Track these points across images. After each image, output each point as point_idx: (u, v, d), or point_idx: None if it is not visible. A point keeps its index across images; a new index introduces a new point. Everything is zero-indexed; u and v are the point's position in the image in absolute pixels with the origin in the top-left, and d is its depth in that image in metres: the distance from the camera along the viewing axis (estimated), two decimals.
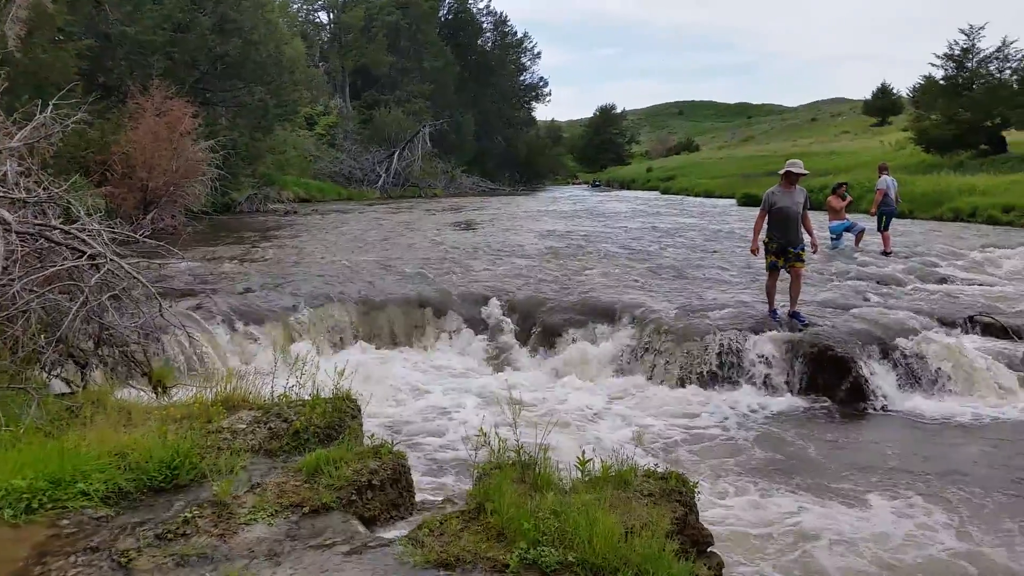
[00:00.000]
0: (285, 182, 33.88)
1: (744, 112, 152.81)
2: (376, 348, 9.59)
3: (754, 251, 9.10)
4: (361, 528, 3.57)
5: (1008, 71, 35.36)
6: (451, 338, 9.81)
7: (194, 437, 4.10)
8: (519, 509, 3.40)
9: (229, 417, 4.62)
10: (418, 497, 4.44)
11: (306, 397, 4.81)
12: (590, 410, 7.54)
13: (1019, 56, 34.77)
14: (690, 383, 8.18)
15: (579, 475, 3.97)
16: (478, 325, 9.96)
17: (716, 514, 5.12)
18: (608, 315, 9.63)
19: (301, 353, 6.69)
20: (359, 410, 5.01)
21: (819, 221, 20.48)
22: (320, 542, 3.33)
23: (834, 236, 15.90)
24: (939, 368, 8.05)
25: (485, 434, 4.10)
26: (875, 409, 7.58)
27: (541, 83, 74.90)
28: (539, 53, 73.68)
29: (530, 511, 3.38)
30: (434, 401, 7.71)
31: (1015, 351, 8.50)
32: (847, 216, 16.16)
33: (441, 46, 59.84)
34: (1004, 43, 35.63)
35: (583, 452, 4.29)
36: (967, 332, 8.98)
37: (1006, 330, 9.03)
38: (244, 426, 4.47)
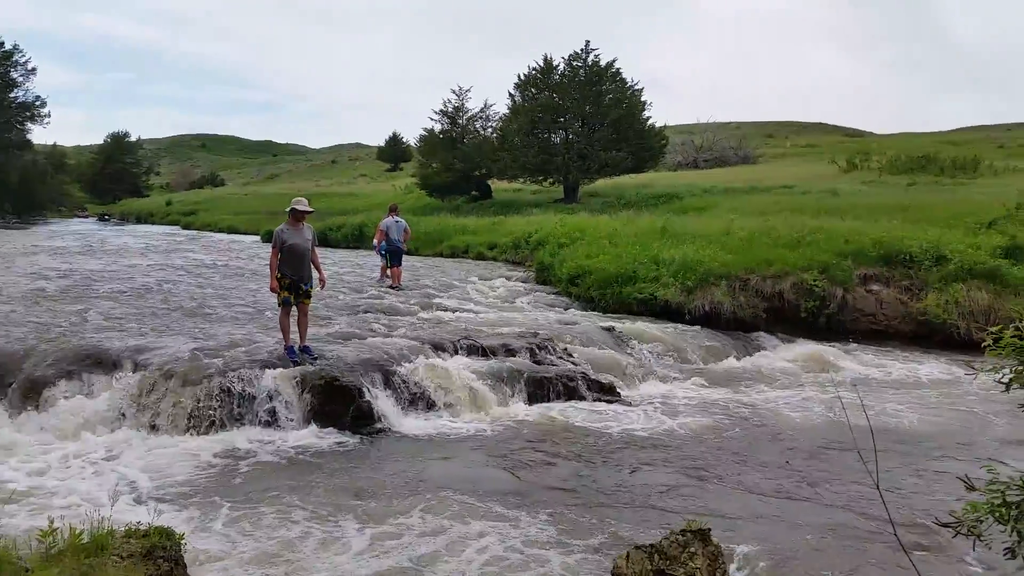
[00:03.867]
0: None
1: (269, 150, 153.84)
2: None
3: (273, 288, 9.17)
4: None
5: (489, 129, 42.02)
6: None
7: None
8: None
9: None
10: None
11: None
12: (80, 472, 6.72)
13: (497, 117, 41.60)
14: (199, 427, 7.83)
15: (42, 550, 3.50)
16: None
17: (216, 559, 4.97)
18: (108, 363, 8.72)
19: None
20: None
21: (340, 254, 21.61)
22: None
23: (383, 254, 17.09)
24: (430, 388, 9.06)
25: None
26: (379, 432, 8.18)
27: (38, 102, 64.92)
28: (34, 69, 63.71)
29: None
30: None
31: (492, 368, 9.97)
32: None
33: None
34: (486, 105, 42.42)
35: (51, 522, 3.81)
36: (455, 354, 10.26)
37: (486, 351, 10.55)
38: None
